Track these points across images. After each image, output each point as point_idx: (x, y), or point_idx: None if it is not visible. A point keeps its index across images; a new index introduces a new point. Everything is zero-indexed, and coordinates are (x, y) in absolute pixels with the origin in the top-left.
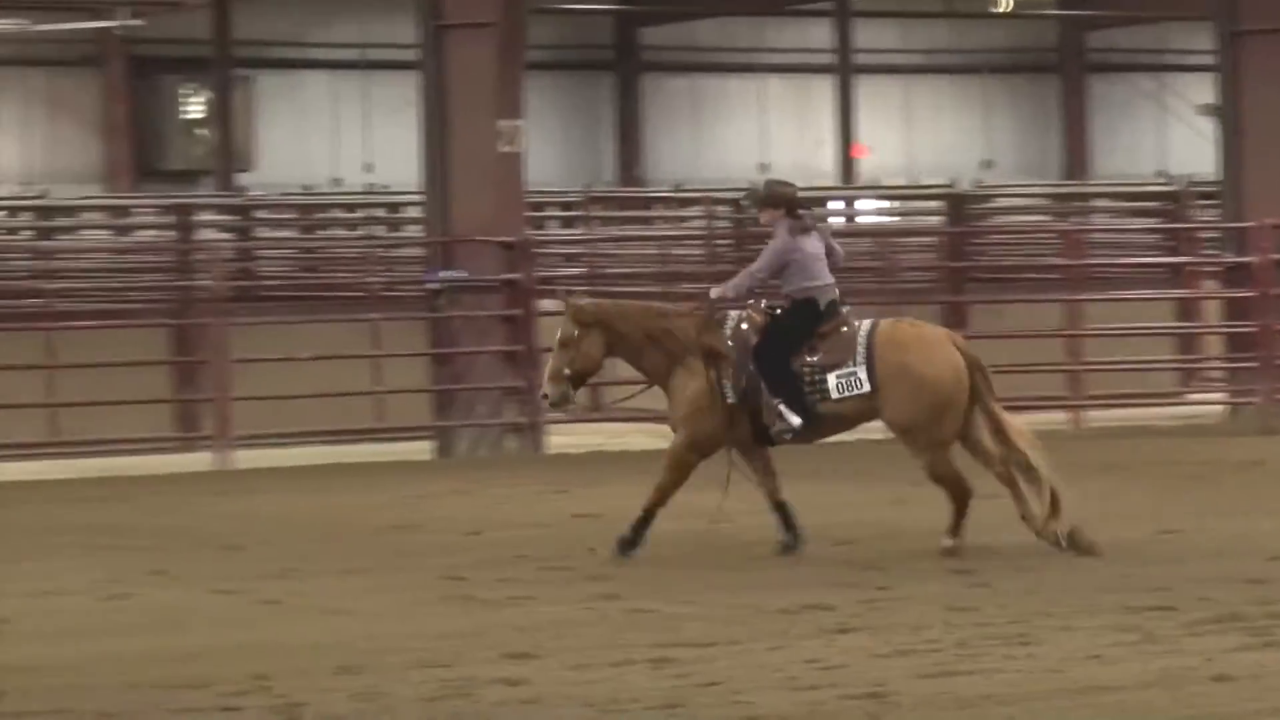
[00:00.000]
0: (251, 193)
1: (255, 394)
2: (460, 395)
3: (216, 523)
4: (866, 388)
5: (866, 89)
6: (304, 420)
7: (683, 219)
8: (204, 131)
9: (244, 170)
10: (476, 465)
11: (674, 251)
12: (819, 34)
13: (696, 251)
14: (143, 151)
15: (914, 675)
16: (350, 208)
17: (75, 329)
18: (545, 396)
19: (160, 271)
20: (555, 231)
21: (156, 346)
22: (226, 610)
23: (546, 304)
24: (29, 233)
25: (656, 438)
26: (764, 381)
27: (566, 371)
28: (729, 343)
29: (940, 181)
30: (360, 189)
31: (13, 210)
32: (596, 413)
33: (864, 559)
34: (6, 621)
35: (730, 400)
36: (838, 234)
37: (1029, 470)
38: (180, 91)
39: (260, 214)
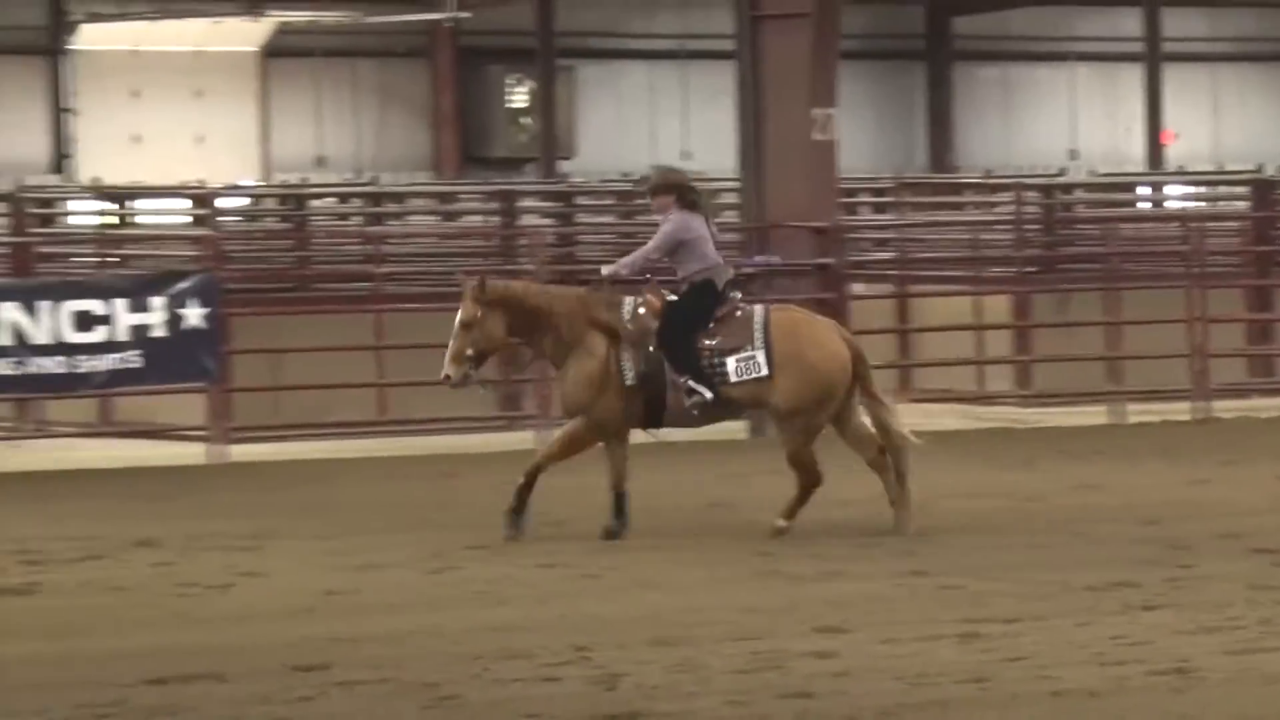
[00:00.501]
0: (572, 179)
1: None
2: None
3: (539, 499)
4: (765, 371)
5: (1174, 76)
6: None
7: (992, 204)
8: (527, 120)
9: (565, 157)
10: None
11: (983, 236)
12: (1128, 23)
13: (1005, 236)
14: (469, 139)
15: (1219, 652)
16: None
17: (404, 311)
18: (447, 378)
19: (485, 255)
20: (867, 217)
21: None
22: (547, 584)
23: (859, 288)
24: (359, 218)
25: (968, 419)
26: (669, 361)
27: (469, 352)
28: (628, 325)
29: (1246, 167)
30: None
31: (344, 196)
32: (494, 390)
33: (1169, 538)
34: (334, 594)
35: (629, 382)
36: (1144, 218)
37: (897, 456)
38: (505, 81)
39: (581, 200)
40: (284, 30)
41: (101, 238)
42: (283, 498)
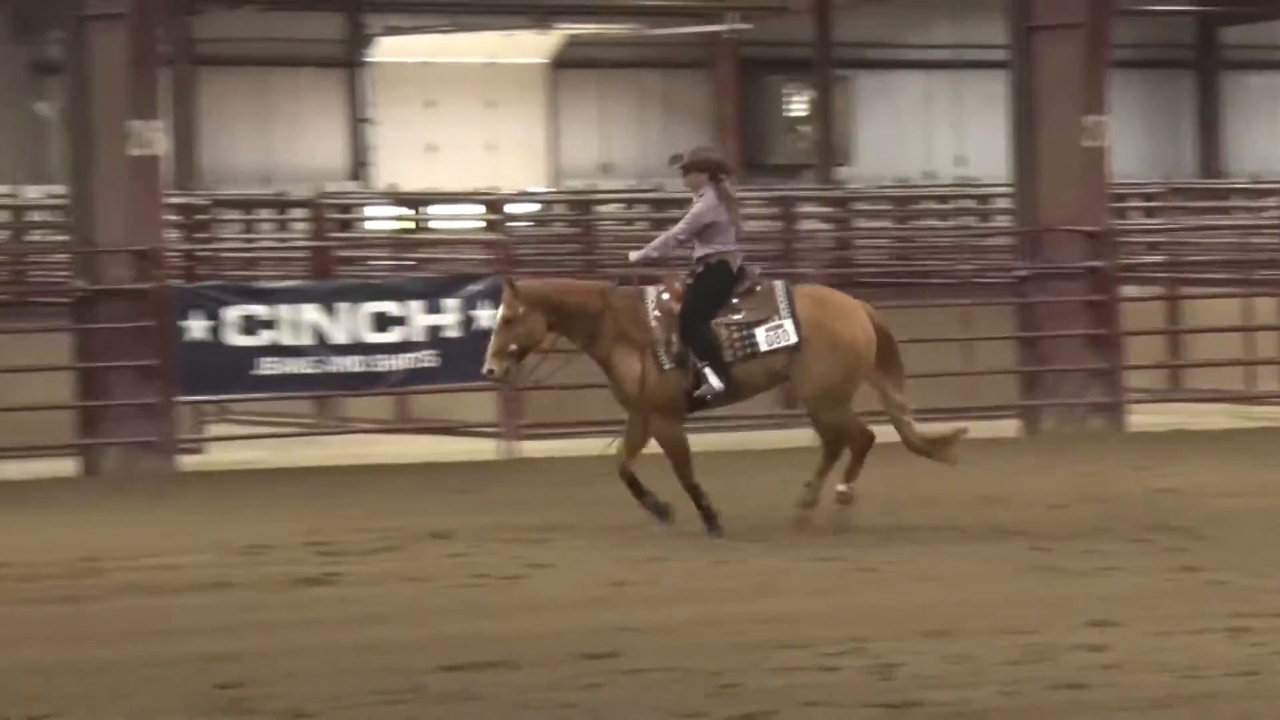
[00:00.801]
0: (849, 185)
1: None
2: (1046, 376)
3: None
4: (794, 339)
5: None
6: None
7: (1260, 209)
8: (806, 128)
9: (842, 164)
10: (1060, 442)
11: (1251, 240)
12: None
13: (1273, 240)
14: (749, 147)
15: None
16: (942, 199)
17: None
18: (491, 372)
19: (764, 260)
20: (1137, 221)
21: None
22: (826, 577)
23: (1129, 291)
24: (644, 223)
25: (1238, 418)
26: (690, 347)
27: (511, 348)
28: (655, 313)
29: None
30: (951, 181)
31: (629, 202)
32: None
33: None
34: (623, 584)
35: (666, 367)
36: None
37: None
38: (784, 91)
39: (858, 205)
40: (572, 42)
41: (397, 242)
42: (571, 492)
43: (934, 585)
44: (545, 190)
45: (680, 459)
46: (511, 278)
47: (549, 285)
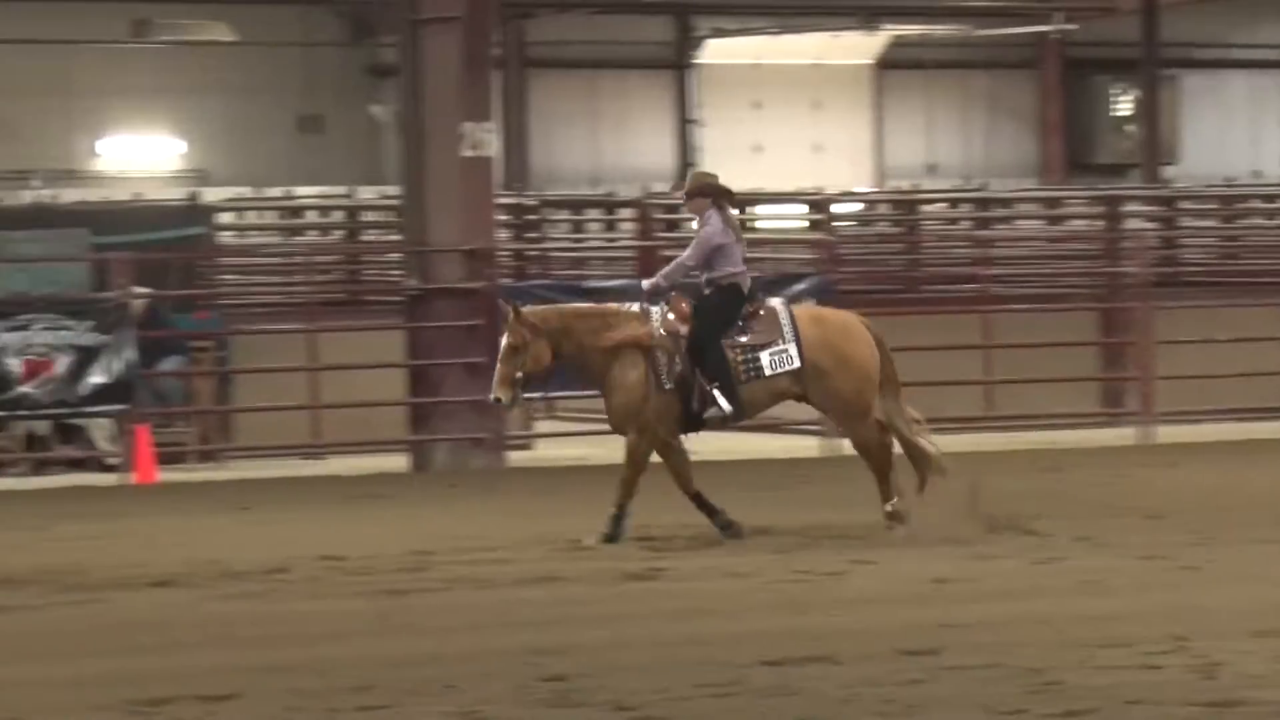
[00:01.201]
0: (1175, 185)
1: (1177, 373)
2: None
3: (1139, 493)
4: (797, 363)
5: None
6: (1222, 398)
7: None
8: (1131, 128)
9: (1168, 164)
10: None
11: None
12: None
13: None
14: (1074, 147)
15: None
16: (1269, 198)
17: (1010, 312)
18: (498, 400)
19: (1089, 259)
20: None
21: (1085, 329)
22: (1148, 575)
23: None
24: (968, 223)
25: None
26: (699, 367)
27: (518, 375)
28: (660, 333)
29: None
30: (1278, 181)
31: (954, 202)
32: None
33: None
34: (944, 581)
35: (667, 386)
36: None
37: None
38: (1110, 90)
39: (1183, 205)
40: (898, 43)
41: None
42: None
43: (1260, 584)
44: (870, 190)
45: (632, 476)
46: (516, 304)
47: (553, 311)
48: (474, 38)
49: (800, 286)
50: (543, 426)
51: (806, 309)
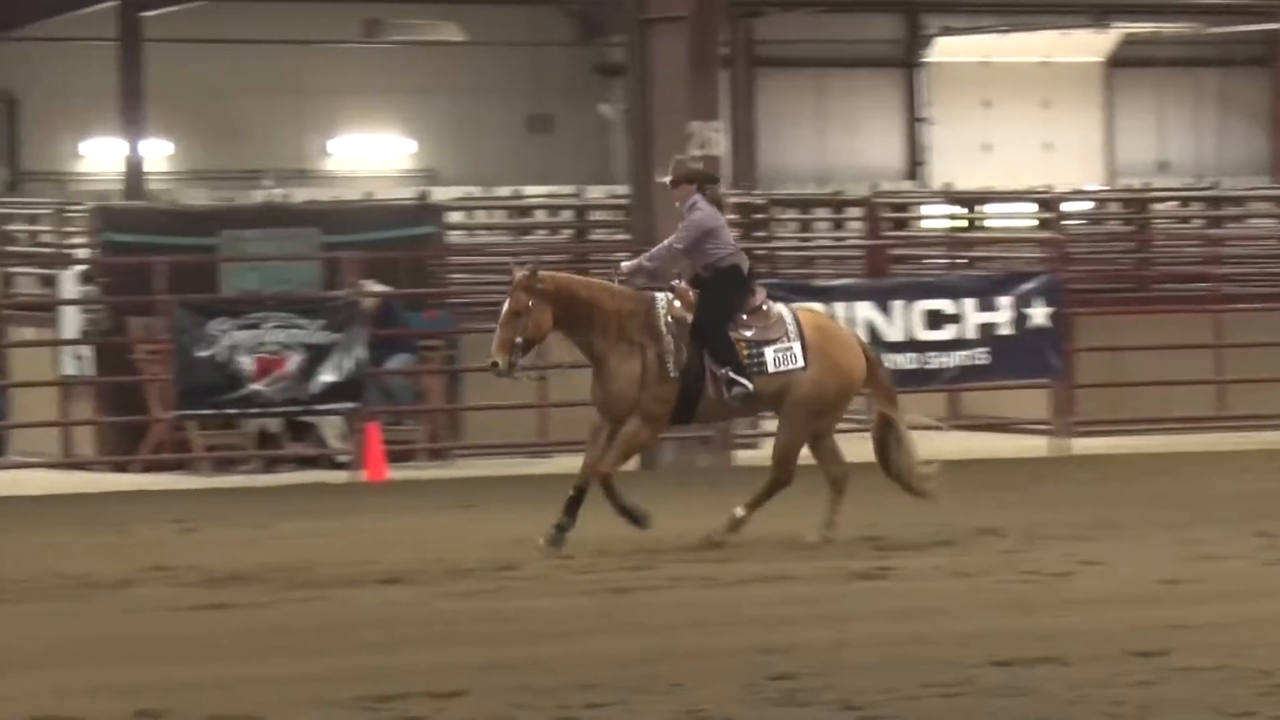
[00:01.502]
0: None
1: None
2: None
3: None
4: (801, 363)
5: None
6: None
7: None
8: None
9: None
10: None
11: None
12: None
13: None
14: None
15: None
16: None
17: (1241, 311)
18: (495, 365)
19: None
20: None
21: None
22: None
23: None
24: (1199, 221)
25: None
26: (709, 353)
27: (517, 341)
28: (667, 319)
29: None
30: None
31: (1184, 200)
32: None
33: None
34: (1174, 582)
35: (673, 375)
36: None
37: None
38: None
39: None
40: (1128, 41)
41: (952, 240)
42: (1122, 489)
43: None
44: (1100, 189)
45: (621, 459)
46: (529, 266)
47: (559, 280)
48: (701, 37)
49: (1029, 285)
50: (768, 426)
51: (811, 314)
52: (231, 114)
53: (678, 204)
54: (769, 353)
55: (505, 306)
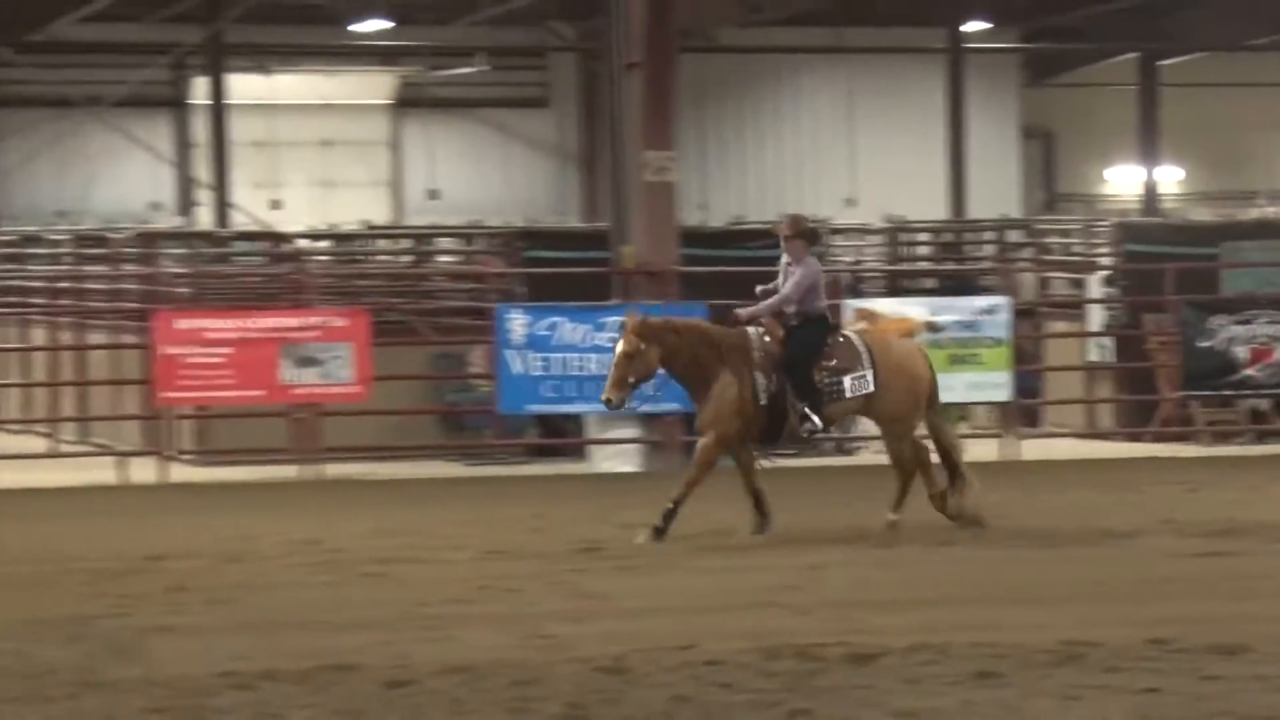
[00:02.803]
0: None
1: None
2: None
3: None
4: (872, 388)
5: None
6: None
7: None
8: None
9: None
10: None
11: None
12: None
13: None
14: None
15: None
16: None
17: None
18: (609, 401)
19: None
20: None
21: None
22: None
23: None
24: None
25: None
26: (793, 388)
27: (630, 379)
28: (758, 353)
29: None
30: None
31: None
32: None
33: None
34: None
35: (763, 402)
36: None
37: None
38: None
39: None
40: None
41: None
42: None
43: None
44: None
45: (698, 477)
46: (642, 315)
47: (667, 324)
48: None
49: None
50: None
51: (879, 337)
52: (1236, 144)
53: (787, 257)
54: (847, 380)
55: (618, 349)
